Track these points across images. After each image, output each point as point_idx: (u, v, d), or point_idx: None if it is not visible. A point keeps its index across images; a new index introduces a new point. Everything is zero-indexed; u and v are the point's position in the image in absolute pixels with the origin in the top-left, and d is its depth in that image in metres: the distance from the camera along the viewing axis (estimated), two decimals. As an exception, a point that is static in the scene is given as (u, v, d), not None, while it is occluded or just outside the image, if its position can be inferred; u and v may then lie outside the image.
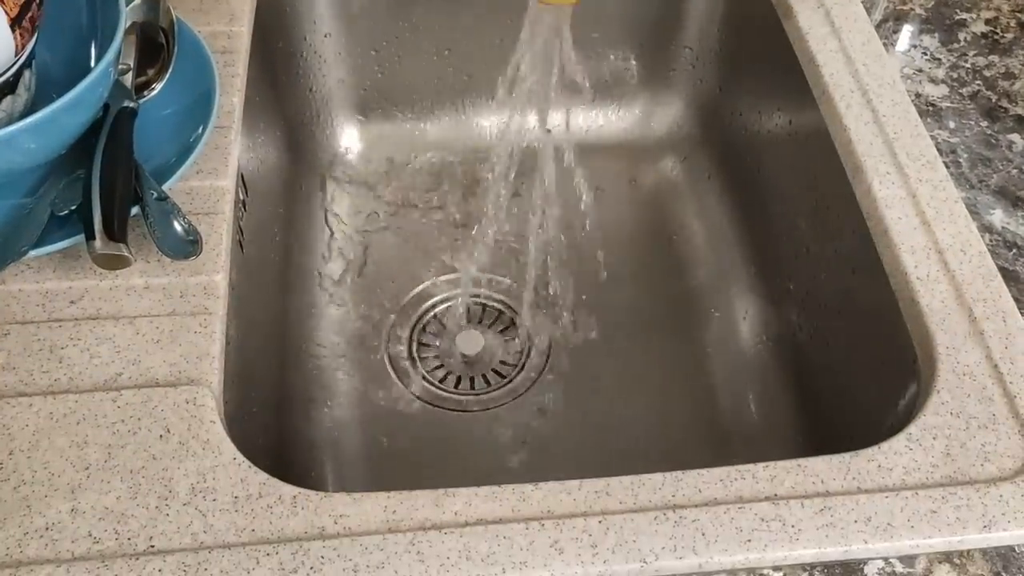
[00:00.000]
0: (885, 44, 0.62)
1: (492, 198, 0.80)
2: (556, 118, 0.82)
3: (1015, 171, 0.56)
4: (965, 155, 0.57)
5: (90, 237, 0.45)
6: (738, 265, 0.74)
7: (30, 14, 0.46)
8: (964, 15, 0.66)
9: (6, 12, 0.45)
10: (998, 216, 0.53)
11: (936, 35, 0.64)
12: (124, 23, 0.48)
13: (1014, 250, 0.52)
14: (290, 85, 0.75)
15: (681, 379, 0.70)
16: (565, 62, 0.47)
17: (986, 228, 0.53)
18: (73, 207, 0.48)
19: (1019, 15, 0.66)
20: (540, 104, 0.53)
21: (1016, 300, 0.49)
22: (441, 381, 0.69)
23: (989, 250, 0.51)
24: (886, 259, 0.52)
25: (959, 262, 0.50)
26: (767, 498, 0.41)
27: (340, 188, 0.79)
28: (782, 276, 0.68)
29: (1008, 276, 0.50)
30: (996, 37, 0.64)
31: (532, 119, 0.82)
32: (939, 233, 0.52)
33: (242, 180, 0.57)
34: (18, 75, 0.48)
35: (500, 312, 0.73)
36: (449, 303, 0.73)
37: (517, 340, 0.72)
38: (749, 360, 0.69)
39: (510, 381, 0.69)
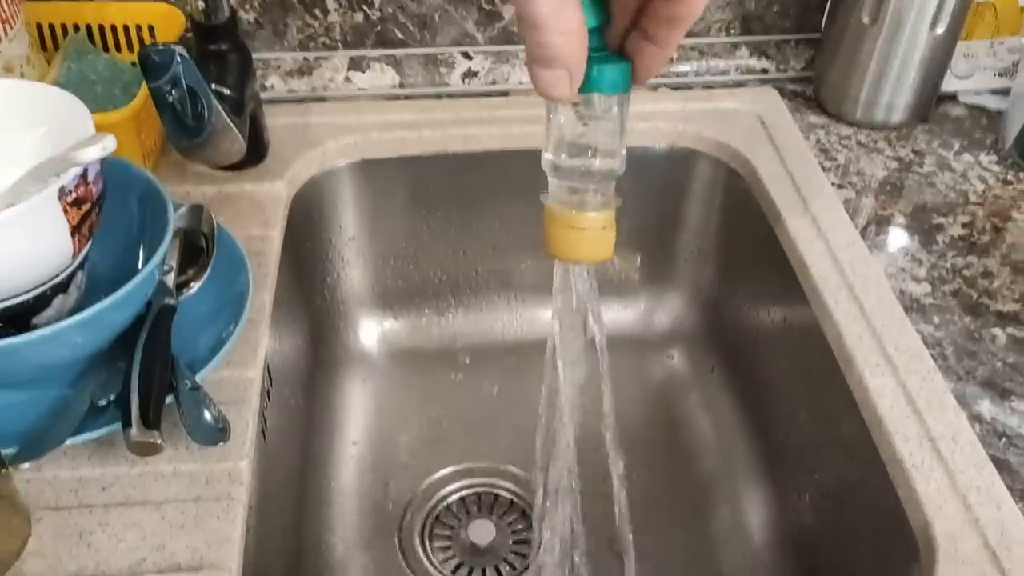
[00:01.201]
0: (869, 246, 0.67)
1: (503, 391, 0.83)
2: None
3: (999, 364, 0.59)
4: (951, 348, 0.60)
5: (126, 425, 0.48)
6: (743, 455, 0.75)
7: (89, 222, 0.51)
8: (941, 219, 0.71)
9: (68, 220, 0.50)
10: (986, 406, 0.56)
11: (916, 237, 0.69)
12: (171, 231, 0.53)
13: (1004, 439, 0.54)
14: (315, 283, 0.80)
15: (689, 569, 0.70)
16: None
17: (975, 418, 0.55)
18: (112, 397, 0.51)
19: (993, 219, 0.71)
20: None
21: (1009, 488, 0.50)
22: (454, 572, 0.69)
23: (980, 439, 0.53)
24: (882, 448, 0.54)
25: (951, 450, 0.52)
26: None
27: (358, 380, 0.82)
28: (786, 466, 0.70)
29: (1000, 464, 0.52)
30: (973, 239, 0.69)
31: (538, 313, 0.86)
32: (931, 422, 0.54)
33: (268, 371, 0.60)
34: (72, 276, 0.52)
35: (512, 502, 0.74)
36: (462, 493, 0.75)
37: (528, 531, 0.72)
38: (756, 548, 0.69)
39: (521, 572, 0.70)
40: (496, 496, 0.75)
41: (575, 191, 0.39)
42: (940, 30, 0.75)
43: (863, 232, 0.69)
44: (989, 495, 0.50)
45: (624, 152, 0.37)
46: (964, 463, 0.51)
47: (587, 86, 0.34)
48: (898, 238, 0.69)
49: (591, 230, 0.39)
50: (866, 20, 0.76)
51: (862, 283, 0.63)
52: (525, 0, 0.30)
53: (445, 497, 0.74)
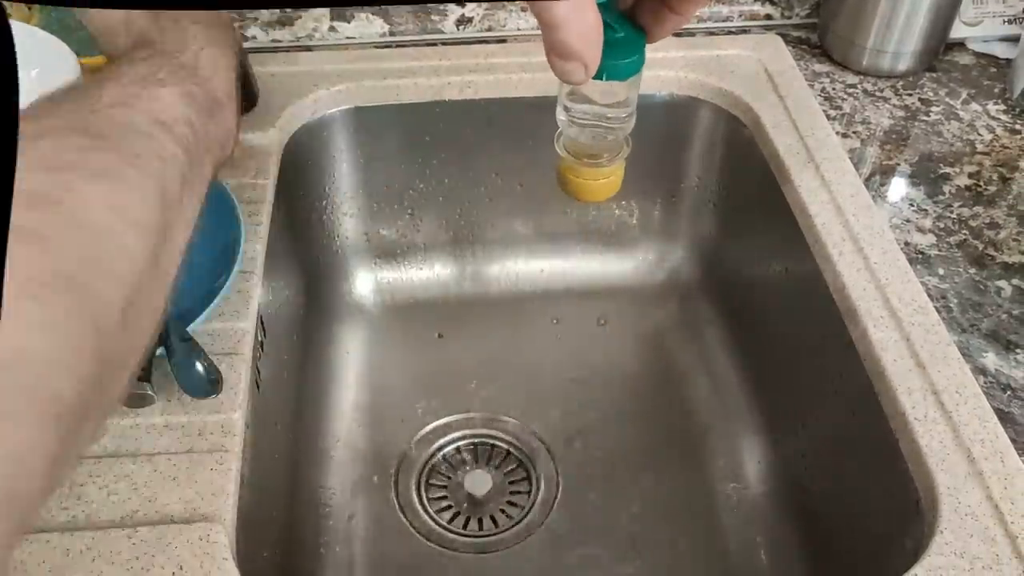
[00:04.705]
0: (873, 196, 0.66)
1: (499, 342, 0.82)
2: (556, 264, 0.85)
3: (1005, 316, 0.58)
4: (955, 300, 0.59)
5: (116, 376, 0.47)
6: (742, 407, 0.75)
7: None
8: (948, 169, 0.70)
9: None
10: (991, 359, 0.55)
11: (921, 188, 0.68)
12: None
13: (1008, 392, 0.53)
14: (309, 233, 0.79)
15: (687, 520, 0.70)
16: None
17: (979, 370, 0.54)
18: (101, 348, 0.50)
19: (1000, 169, 0.70)
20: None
21: (1013, 441, 0.50)
22: (450, 522, 0.69)
23: (984, 392, 0.53)
24: (884, 400, 0.53)
25: (955, 403, 0.52)
26: (776, 640, 0.41)
27: (352, 331, 0.81)
28: (786, 418, 0.70)
29: (1004, 417, 0.51)
30: (979, 189, 0.68)
31: (534, 264, 0.85)
32: (934, 375, 0.53)
33: (261, 322, 0.59)
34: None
35: (508, 452, 0.74)
36: (458, 443, 0.74)
37: (525, 480, 0.72)
38: (755, 501, 0.69)
39: (518, 522, 0.69)
40: (493, 446, 0.74)
41: (587, 142, 0.41)
42: (950, -26, 0.73)
43: (868, 182, 0.68)
44: (993, 448, 0.49)
45: (634, 108, 0.40)
46: (968, 416, 0.51)
47: (602, 74, 0.34)
48: (903, 188, 0.68)
49: (604, 180, 0.43)
50: (874, -37, 0.74)
51: (866, 234, 0.62)
52: (541, 2, 0.31)
53: (442, 447, 0.74)
